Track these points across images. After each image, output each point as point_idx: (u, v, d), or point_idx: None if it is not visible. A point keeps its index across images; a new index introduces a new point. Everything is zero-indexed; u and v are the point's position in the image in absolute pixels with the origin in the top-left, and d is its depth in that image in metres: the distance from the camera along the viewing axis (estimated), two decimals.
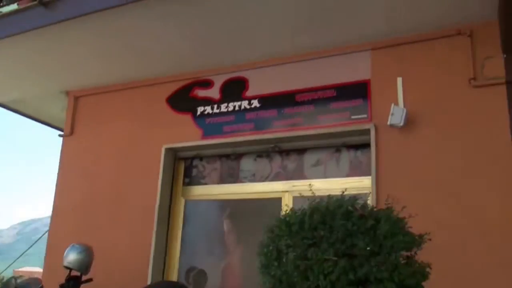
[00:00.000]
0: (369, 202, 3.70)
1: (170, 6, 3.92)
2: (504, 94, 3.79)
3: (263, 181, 4.68)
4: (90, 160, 5.38)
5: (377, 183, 3.99)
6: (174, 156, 5.08)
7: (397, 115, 3.99)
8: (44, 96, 5.81)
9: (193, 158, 5.06)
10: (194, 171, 5.06)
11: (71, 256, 4.09)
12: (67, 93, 5.72)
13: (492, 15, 3.84)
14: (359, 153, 4.38)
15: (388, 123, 3.99)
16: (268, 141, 4.60)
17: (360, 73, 4.34)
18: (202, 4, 3.90)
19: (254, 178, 4.74)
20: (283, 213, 2.33)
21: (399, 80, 4.15)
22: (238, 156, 4.86)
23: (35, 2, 4.29)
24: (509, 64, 3.80)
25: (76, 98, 5.67)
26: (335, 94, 4.40)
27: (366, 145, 4.26)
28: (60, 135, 5.67)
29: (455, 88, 3.97)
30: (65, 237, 4.95)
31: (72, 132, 5.59)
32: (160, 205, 4.83)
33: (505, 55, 3.84)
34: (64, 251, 4.19)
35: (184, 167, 5.11)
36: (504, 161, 3.66)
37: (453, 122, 3.93)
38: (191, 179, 5.03)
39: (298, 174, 4.56)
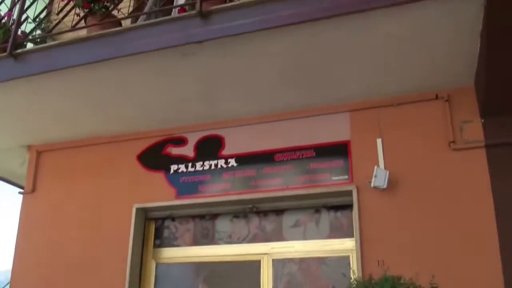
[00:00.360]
0: (351, 264, 3.87)
1: (140, 63, 3.79)
2: (484, 157, 3.87)
3: (241, 242, 4.52)
4: (54, 221, 5.06)
5: (362, 245, 3.92)
6: (145, 216, 4.84)
7: (380, 177, 3.99)
8: (3, 150, 5.46)
9: (164, 218, 4.85)
10: (166, 232, 4.83)
11: None
12: (29, 147, 5.42)
13: (469, 81, 3.99)
14: (339, 214, 4.31)
15: (372, 185, 3.98)
16: (246, 201, 4.48)
17: (339, 134, 4.33)
18: (177, 62, 3.79)
19: (231, 239, 4.57)
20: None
21: (379, 142, 4.19)
22: (213, 216, 4.70)
23: (5, 54, 4.08)
24: (487, 128, 3.91)
25: (38, 153, 5.37)
26: (314, 155, 4.37)
27: (346, 206, 4.24)
28: (20, 193, 5.32)
29: (435, 151, 4.02)
30: None
31: (33, 189, 5.26)
32: (131, 270, 4.54)
33: (483, 120, 3.95)
34: None
35: (154, 228, 4.87)
36: (485, 226, 3.67)
37: (434, 185, 3.94)
38: (162, 241, 4.80)
39: (277, 236, 4.43)
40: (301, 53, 3.65)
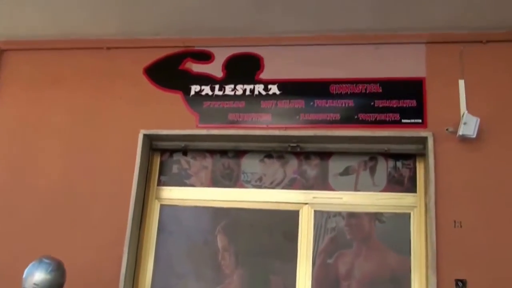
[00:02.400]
0: (412, 224, 3.53)
1: None
2: None
3: (274, 187, 3.82)
4: (27, 141, 3.97)
5: (437, 203, 3.39)
6: (149, 145, 3.94)
7: (470, 124, 3.43)
8: None
9: (173, 150, 3.99)
10: (175, 168, 3.98)
11: (39, 276, 2.81)
12: None
13: None
14: (399, 164, 3.74)
15: (460, 133, 3.44)
16: (289, 138, 3.75)
17: (413, 68, 3.70)
18: None
19: (261, 183, 3.84)
20: None
21: (461, 83, 3.60)
22: (239, 154, 3.93)
23: None
24: None
25: (1, 52, 4.17)
26: (380, 90, 3.71)
27: (409, 156, 3.72)
28: None
29: None
30: None
31: None
32: (134, 212, 3.69)
33: None
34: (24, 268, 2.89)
35: (159, 161, 4.01)
36: None
37: None
38: (169, 178, 3.97)
39: (321, 183, 3.78)
40: None
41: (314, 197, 3.73)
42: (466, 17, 3.53)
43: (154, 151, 3.97)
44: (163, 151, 3.99)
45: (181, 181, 3.93)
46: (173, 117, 3.83)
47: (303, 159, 3.84)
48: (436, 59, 3.67)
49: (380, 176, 3.72)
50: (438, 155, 3.48)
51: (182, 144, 3.90)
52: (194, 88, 3.90)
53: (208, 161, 3.95)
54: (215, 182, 3.89)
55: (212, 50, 3.96)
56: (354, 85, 3.73)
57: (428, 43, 3.70)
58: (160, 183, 3.93)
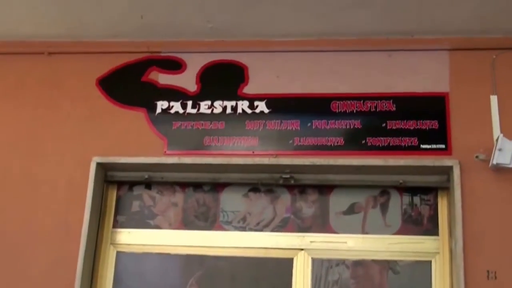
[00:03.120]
0: (434, 274, 3.41)
1: None
2: None
3: (261, 229, 3.65)
4: None
5: (465, 247, 3.23)
6: (103, 177, 3.71)
7: (505, 151, 3.26)
8: None
9: (133, 183, 3.78)
10: (135, 205, 3.77)
11: None
12: None
13: None
14: (417, 199, 3.59)
15: (493, 161, 3.27)
16: (279, 168, 3.56)
17: (433, 81, 3.58)
18: None
19: (245, 224, 3.66)
20: None
21: (494, 99, 3.46)
22: (217, 188, 3.74)
23: None
24: None
25: None
26: (394, 108, 3.56)
27: (429, 189, 3.58)
28: None
29: None
30: None
31: None
32: (84, 262, 3.44)
33: None
34: None
35: (116, 196, 3.79)
36: None
37: None
38: (129, 218, 3.75)
39: (320, 224, 3.63)
40: None
41: (311, 242, 3.58)
42: (499, 19, 3.42)
43: (110, 184, 3.78)
44: (121, 184, 3.81)
45: (143, 222, 3.74)
46: (134, 141, 3.65)
47: (298, 194, 3.70)
48: (463, 69, 3.57)
49: (394, 215, 3.58)
50: (466, 189, 3.35)
51: (146, 175, 3.71)
52: (161, 105, 3.73)
53: (178, 197, 3.78)
54: (187, 223, 3.71)
55: (183, 57, 3.82)
56: (362, 101, 3.60)
57: (452, 50, 3.61)
58: (116, 225, 3.74)
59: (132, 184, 3.77)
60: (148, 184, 3.75)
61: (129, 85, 3.78)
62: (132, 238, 3.67)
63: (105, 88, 3.76)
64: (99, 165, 3.58)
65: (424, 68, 3.58)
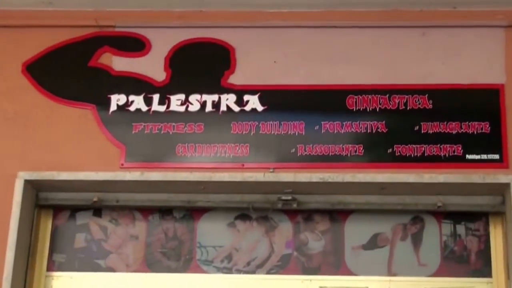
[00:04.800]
0: None
1: None
2: None
3: (253, 272, 3.66)
4: None
5: None
6: (34, 199, 3.69)
7: None
8: None
9: (76, 208, 3.77)
10: (79, 239, 3.75)
11: None
12: None
13: None
14: (461, 229, 3.60)
15: None
16: (277, 187, 3.55)
17: (484, 69, 3.58)
18: None
19: (231, 265, 3.69)
20: None
21: None
22: (193, 214, 3.78)
23: None
24: None
25: None
26: (431, 106, 3.56)
27: (477, 216, 3.59)
28: None
29: None
30: None
31: None
32: None
33: None
34: None
35: (52, 227, 3.77)
36: None
37: None
38: (70, 257, 3.73)
39: (332, 264, 3.65)
40: None
41: (321, 287, 3.59)
42: None
43: (43, 209, 3.76)
44: (58, 209, 3.79)
45: (90, 263, 3.71)
46: (78, 150, 3.62)
47: (303, 222, 3.72)
48: None
49: (430, 250, 3.60)
50: None
51: (94, 197, 3.67)
52: (116, 100, 3.70)
53: (139, 227, 3.77)
54: (151, 263, 3.70)
55: (146, 33, 3.80)
56: (387, 96, 3.60)
57: (509, 27, 3.62)
58: (52, 267, 3.70)
59: (74, 210, 3.74)
60: (97, 210, 3.74)
61: (71, 72, 3.74)
62: (75, 286, 3.65)
63: (35, 76, 3.72)
64: (28, 183, 3.53)
65: (471, 52, 3.59)
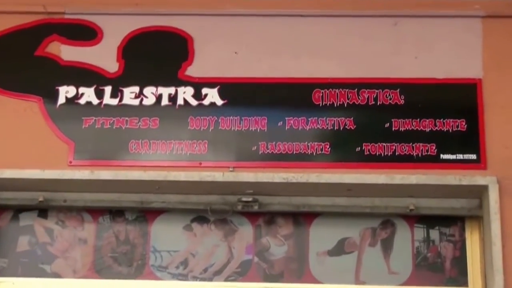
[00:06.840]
0: None
1: None
2: None
3: (210, 279, 3.57)
4: None
5: None
6: None
7: None
8: None
9: (20, 209, 3.68)
10: (22, 242, 3.64)
11: None
12: None
13: None
14: (435, 234, 3.55)
15: None
16: (238, 187, 3.48)
17: (460, 63, 3.54)
18: None
19: (187, 271, 3.59)
20: None
21: None
22: (146, 216, 3.68)
23: None
24: None
25: None
26: (403, 102, 3.49)
27: (452, 220, 3.54)
28: None
29: None
30: None
31: None
32: None
33: None
34: None
35: None
36: None
37: None
38: (12, 262, 3.63)
39: (295, 271, 3.57)
40: None
41: None
42: None
43: None
44: (0, 210, 3.68)
45: (35, 268, 3.60)
46: (23, 146, 3.52)
47: (264, 225, 3.66)
48: (503, 46, 3.56)
49: (402, 257, 3.55)
50: (507, 218, 3.29)
51: (39, 196, 3.56)
52: (65, 92, 3.59)
53: (88, 230, 3.68)
54: (101, 269, 3.60)
55: (98, 21, 3.73)
56: (356, 91, 3.54)
57: (487, 18, 3.59)
58: None
59: (18, 210, 3.65)
60: (43, 211, 3.65)
61: (16, 61, 3.66)
62: None
63: None
64: None
65: (446, 43, 3.55)
